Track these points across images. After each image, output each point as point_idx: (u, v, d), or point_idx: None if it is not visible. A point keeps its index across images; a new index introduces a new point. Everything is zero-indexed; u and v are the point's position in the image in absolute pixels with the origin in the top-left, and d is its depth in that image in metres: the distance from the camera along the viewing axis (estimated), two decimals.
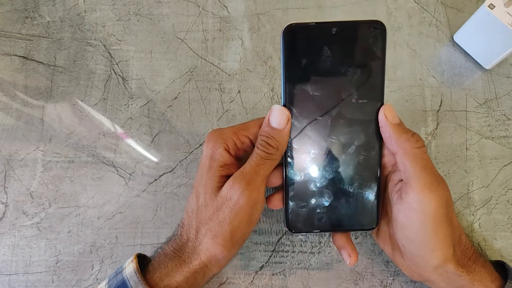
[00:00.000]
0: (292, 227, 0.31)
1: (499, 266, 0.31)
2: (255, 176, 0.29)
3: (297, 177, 0.30)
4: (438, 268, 0.29)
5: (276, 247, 0.36)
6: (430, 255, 0.28)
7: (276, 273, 0.35)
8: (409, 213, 0.28)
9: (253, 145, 0.31)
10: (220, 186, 0.29)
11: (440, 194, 0.27)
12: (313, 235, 0.36)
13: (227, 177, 0.29)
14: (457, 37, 0.41)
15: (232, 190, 0.28)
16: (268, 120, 0.29)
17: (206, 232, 0.29)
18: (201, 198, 0.30)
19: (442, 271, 0.29)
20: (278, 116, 0.29)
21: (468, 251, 0.30)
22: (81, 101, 0.40)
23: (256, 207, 0.29)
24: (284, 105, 0.29)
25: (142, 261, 0.31)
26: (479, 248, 0.36)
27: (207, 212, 0.29)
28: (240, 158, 0.31)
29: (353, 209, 0.31)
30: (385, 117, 0.29)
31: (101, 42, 0.42)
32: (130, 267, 0.29)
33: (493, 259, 0.35)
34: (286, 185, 0.30)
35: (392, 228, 0.30)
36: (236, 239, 0.29)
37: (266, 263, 0.35)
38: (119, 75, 0.41)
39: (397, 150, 0.29)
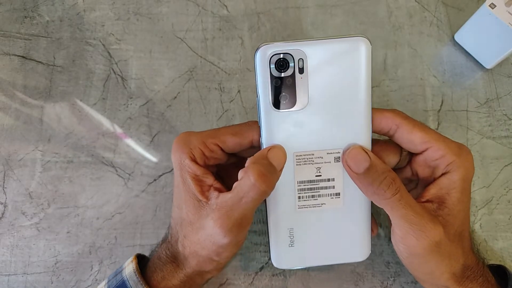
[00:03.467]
0: None
1: (501, 270, 0.30)
2: (242, 217, 0.27)
3: None
4: (432, 285, 0.29)
5: None
6: (421, 277, 0.29)
7: (276, 274, 0.35)
8: (399, 245, 0.27)
9: (224, 153, 0.29)
10: (201, 200, 0.28)
11: (426, 239, 0.26)
12: None
13: (206, 187, 0.28)
14: (458, 37, 0.41)
15: (215, 230, 0.27)
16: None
17: (192, 253, 0.29)
18: (184, 212, 0.29)
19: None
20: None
21: (467, 271, 0.28)
22: (80, 100, 0.40)
23: (241, 239, 0.28)
24: None
25: (142, 262, 0.30)
26: (479, 250, 0.36)
27: (193, 234, 0.28)
28: (212, 166, 0.30)
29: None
30: (348, 168, 0.27)
31: (100, 42, 0.42)
32: (129, 268, 0.29)
33: (494, 260, 0.35)
34: None
35: None
36: (222, 258, 0.29)
37: (266, 264, 0.35)
38: (119, 75, 0.41)
39: (371, 199, 0.27)
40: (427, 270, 0.28)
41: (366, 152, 0.27)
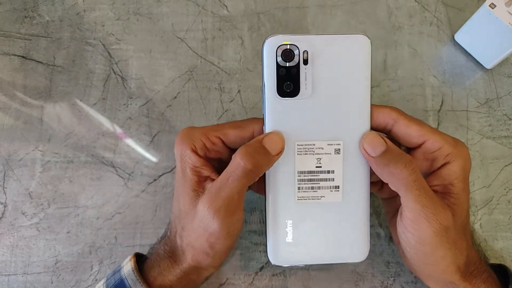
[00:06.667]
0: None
1: (502, 270, 0.30)
2: (229, 197, 0.27)
3: None
4: (437, 281, 0.29)
5: None
6: (426, 271, 0.29)
7: (276, 274, 0.35)
8: (407, 232, 0.27)
9: (226, 146, 0.30)
10: (197, 190, 0.28)
11: (437, 222, 0.26)
12: None
13: (203, 178, 0.29)
14: (458, 37, 0.41)
15: (204, 213, 0.27)
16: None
17: (188, 245, 0.29)
18: (181, 203, 0.29)
19: (442, 284, 0.29)
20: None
21: (470, 266, 0.28)
22: (80, 100, 0.40)
23: (232, 229, 0.28)
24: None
25: (140, 260, 0.30)
26: (480, 246, 0.36)
27: (188, 224, 0.29)
28: (213, 159, 0.30)
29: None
30: (365, 152, 0.28)
31: (100, 42, 0.42)
32: (128, 266, 0.29)
33: (494, 260, 0.35)
34: None
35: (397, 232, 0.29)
36: (217, 252, 0.29)
37: (266, 263, 0.35)
38: (119, 75, 0.41)
39: (386, 181, 0.27)
40: (433, 260, 0.27)
41: (382, 138, 0.28)
